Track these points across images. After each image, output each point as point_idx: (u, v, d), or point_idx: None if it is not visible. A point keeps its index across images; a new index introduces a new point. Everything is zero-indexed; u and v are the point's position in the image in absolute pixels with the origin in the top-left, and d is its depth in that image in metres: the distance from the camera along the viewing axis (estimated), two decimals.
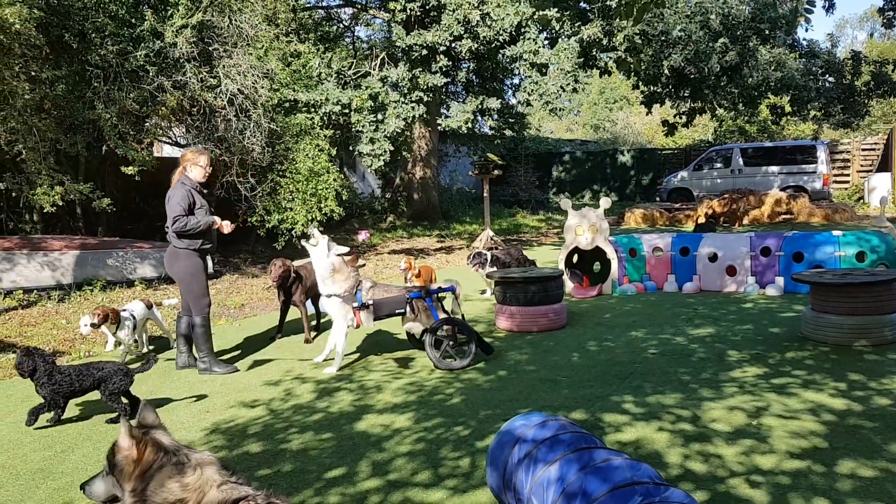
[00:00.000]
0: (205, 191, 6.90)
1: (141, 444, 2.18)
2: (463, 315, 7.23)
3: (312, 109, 14.36)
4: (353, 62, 17.15)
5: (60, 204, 10.60)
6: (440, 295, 7.07)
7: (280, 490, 3.99)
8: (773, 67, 19.03)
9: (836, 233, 9.59)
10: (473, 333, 6.68)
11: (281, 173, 13.41)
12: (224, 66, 12.16)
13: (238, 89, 12.23)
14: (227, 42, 12.24)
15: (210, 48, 12.20)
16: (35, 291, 10.47)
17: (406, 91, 15.86)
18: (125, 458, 2.18)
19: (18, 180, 10.62)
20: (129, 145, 11.61)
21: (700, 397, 5.26)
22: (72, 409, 5.81)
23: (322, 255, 6.59)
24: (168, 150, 20.09)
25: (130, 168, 11.49)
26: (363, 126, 14.95)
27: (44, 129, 10.37)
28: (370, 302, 6.69)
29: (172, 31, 11.36)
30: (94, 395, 6.11)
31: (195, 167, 6.73)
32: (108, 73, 11.33)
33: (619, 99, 48.95)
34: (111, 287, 11.03)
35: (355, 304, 6.67)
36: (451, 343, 6.64)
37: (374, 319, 6.75)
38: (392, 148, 15.56)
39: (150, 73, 11.52)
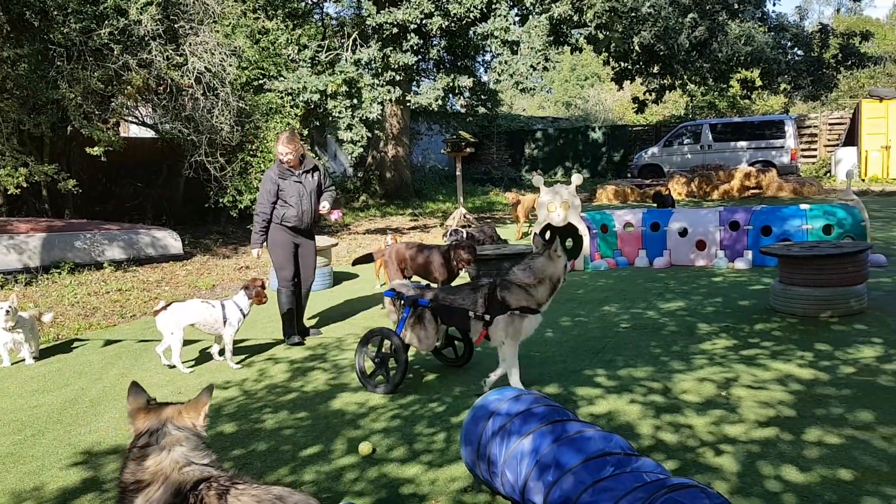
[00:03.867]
0: (297, 172, 6.88)
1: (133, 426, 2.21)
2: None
3: (290, 97, 14.19)
4: (324, 43, 16.92)
5: (25, 186, 10.41)
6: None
7: (254, 469, 3.99)
8: (742, 42, 19.11)
9: (803, 206, 9.72)
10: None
11: (251, 153, 13.28)
12: (190, 43, 11.96)
13: (205, 67, 12.04)
14: (193, 19, 12.03)
15: (176, 25, 11.98)
16: (1, 275, 10.28)
17: (378, 71, 15.71)
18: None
19: None
20: (95, 125, 11.41)
21: (671, 370, 5.33)
22: (43, 394, 5.74)
23: None
24: (135, 130, 19.76)
25: (96, 148, 11.30)
26: (340, 112, 14.80)
27: (6, 109, 10.16)
28: None
29: (137, 8, 11.13)
30: (71, 379, 6.05)
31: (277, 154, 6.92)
32: (72, 52, 11.09)
33: (591, 76, 48.94)
34: (79, 270, 10.87)
35: None
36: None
37: None
38: (369, 134, 15.44)
39: (115, 52, 11.29)
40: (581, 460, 2.98)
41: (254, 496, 1.98)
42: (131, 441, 2.18)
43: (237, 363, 6.24)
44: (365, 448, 4.11)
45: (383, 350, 5.35)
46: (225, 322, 6.18)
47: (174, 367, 6.13)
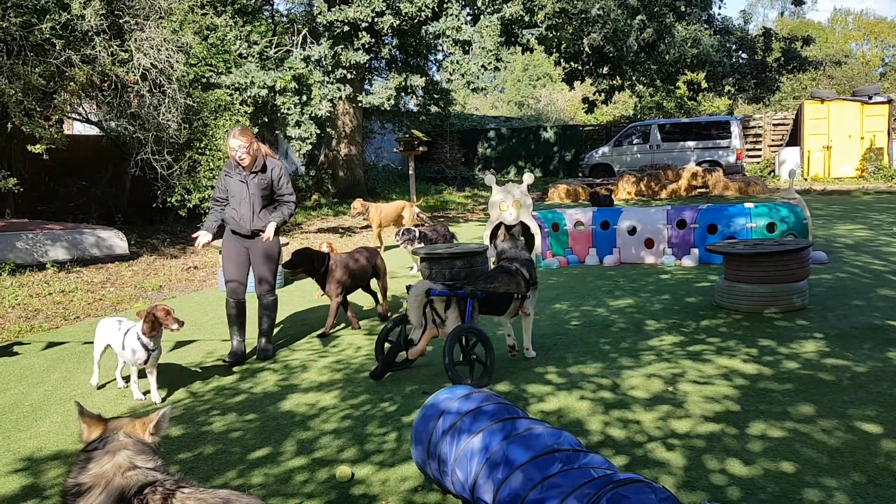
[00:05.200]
0: (245, 173, 6.13)
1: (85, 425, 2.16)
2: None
3: (237, 92, 13.97)
4: (273, 39, 16.73)
5: None
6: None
7: (201, 473, 3.92)
8: (689, 44, 19.48)
9: (748, 205, 9.95)
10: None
11: (200, 150, 13.05)
12: (136, 39, 11.70)
13: (151, 63, 11.79)
14: (139, 14, 11.77)
15: (121, 21, 11.70)
16: None
17: (329, 69, 15.60)
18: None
19: None
20: (36, 122, 11.09)
21: (620, 366, 5.40)
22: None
23: None
24: (79, 128, 19.27)
25: (38, 146, 10.98)
26: (288, 108, 14.63)
27: None
28: None
29: (80, 3, 10.83)
30: (11, 384, 5.87)
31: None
32: (12, 47, 10.75)
33: (543, 76, 49.36)
34: (21, 271, 10.55)
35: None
36: None
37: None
38: (318, 131, 15.29)
39: (57, 47, 10.98)
40: (530, 457, 3.00)
41: (200, 500, 1.94)
42: (82, 448, 2.13)
43: (191, 364, 6.11)
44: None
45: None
46: (124, 347, 5.25)
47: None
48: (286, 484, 3.76)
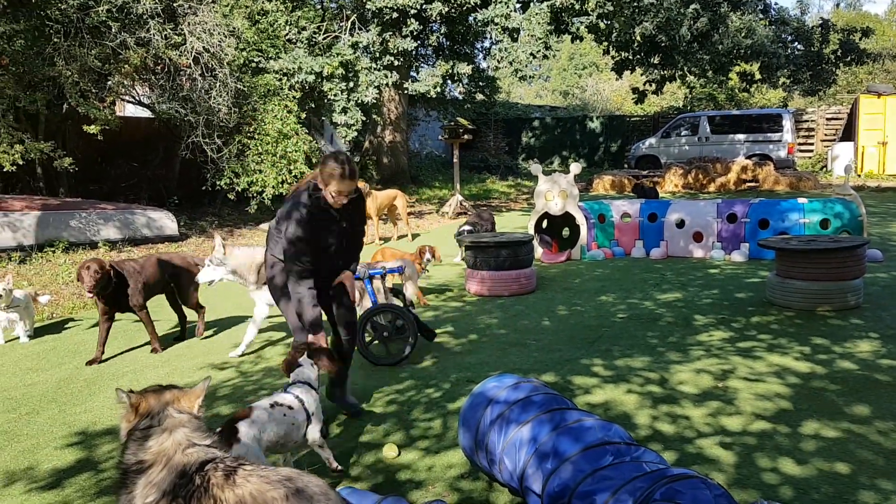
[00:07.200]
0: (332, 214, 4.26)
1: (132, 409, 2.18)
2: (407, 300, 6.48)
3: (285, 77, 14.08)
4: (322, 25, 16.80)
5: (21, 163, 10.32)
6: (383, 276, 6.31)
7: None
8: (743, 34, 19.05)
9: (801, 200, 9.72)
10: (414, 324, 5.66)
11: (249, 135, 13.20)
12: (189, 23, 11.86)
13: (204, 47, 11.94)
14: None
15: (174, 4, 11.87)
16: None
17: (376, 56, 15.62)
18: (122, 421, 2.21)
19: None
20: (91, 103, 11.33)
21: (668, 360, 5.33)
22: (37, 372, 5.72)
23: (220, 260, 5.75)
24: (131, 110, 19.60)
25: (93, 127, 11.21)
26: (335, 95, 14.70)
27: (2, 85, 10.05)
28: None
29: None
30: (65, 359, 6.01)
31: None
32: (69, 29, 10.99)
33: (589, 65, 48.76)
34: (74, 249, 10.81)
35: None
36: (386, 333, 5.69)
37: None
38: (364, 118, 15.34)
39: (113, 30, 11.19)
40: (580, 449, 2.98)
41: (262, 477, 1.96)
42: (132, 424, 2.16)
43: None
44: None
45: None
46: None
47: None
48: None
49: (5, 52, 10.50)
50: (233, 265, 5.76)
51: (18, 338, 6.80)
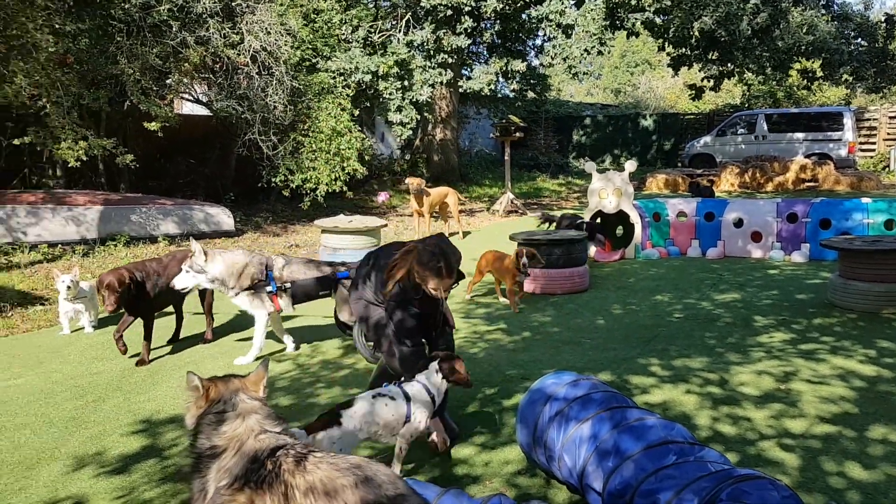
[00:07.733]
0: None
1: (203, 394, 2.24)
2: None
3: (342, 77, 14.23)
4: (376, 24, 16.91)
5: (84, 159, 10.62)
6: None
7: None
8: (804, 30, 18.58)
9: (865, 200, 9.45)
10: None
11: (303, 132, 13.37)
12: (247, 22, 12.06)
13: (261, 46, 12.13)
14: None
15: (233, 3, 12.09)
16: (59, 245, 10.55)
17: (430, 54, 15.66)
18: (190, 407, 2.26)
19: (42, 135, 10.62)
20: (152, 101, 11.59)
21: (727, 361, 5.23)
22: (102, 362, 5.88)
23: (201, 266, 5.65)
24: (189, 108, 20.02)
25: (153, 124, 11.48)
26: (390, 93, 14.79)
27: (67, 83, 10.35)
28: (287, 285, 5.75)
29: None
30: (129, 349, 6.17)
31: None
32: (131, 28, 11.27)
33: (641, 63, 48.12)
34: (135, 243, 11.09)
35: (269, 290, 5.70)
36: None
37: (294, 304, 5.86)
38: (419, 116, 15.41)
39: (173, 28, 11.44)
40: (642, 447, 2.95)
41: (332, 464, 1.99)
42: (203, 409, 2.21)
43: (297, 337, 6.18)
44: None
45: None
46: None
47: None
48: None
49: (70, 51, 10.82)
50: (213, 273, 5.59)
51: (84, 328, 7.02)
